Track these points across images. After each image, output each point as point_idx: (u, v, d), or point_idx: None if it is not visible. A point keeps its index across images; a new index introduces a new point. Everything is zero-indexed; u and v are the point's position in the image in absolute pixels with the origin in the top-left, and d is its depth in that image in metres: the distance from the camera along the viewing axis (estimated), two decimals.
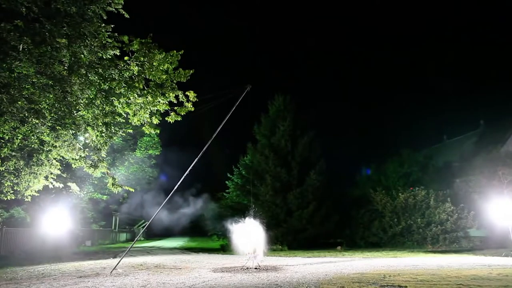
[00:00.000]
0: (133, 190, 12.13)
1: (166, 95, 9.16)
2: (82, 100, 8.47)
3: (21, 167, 9.22)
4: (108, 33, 8.23)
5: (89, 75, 8.26)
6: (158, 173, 34.24)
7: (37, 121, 8.01)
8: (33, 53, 7.37)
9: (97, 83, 8.52)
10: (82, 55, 8.02)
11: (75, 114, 8.65)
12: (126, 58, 8.75)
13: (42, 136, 8.72)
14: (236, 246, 10.46)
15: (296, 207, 20.36)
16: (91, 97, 8.64)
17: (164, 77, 9.02)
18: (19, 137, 8.39)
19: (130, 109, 9.23)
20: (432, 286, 6.77)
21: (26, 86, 7.63)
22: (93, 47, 8.11)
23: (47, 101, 8.03)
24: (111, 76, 8.60)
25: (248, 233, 10.15)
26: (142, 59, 8.64)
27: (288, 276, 8.57)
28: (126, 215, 34.37)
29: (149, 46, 8.62)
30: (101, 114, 9.01)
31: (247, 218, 10.42)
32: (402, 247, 18.44)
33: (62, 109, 8.32)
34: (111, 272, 9.60)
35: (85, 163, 9.87)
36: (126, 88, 8.72)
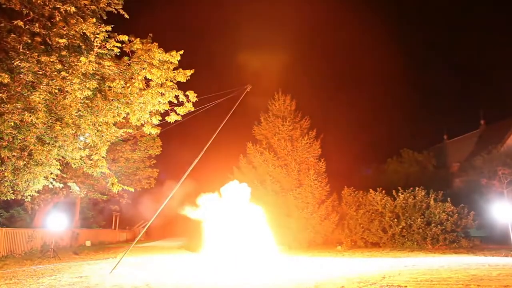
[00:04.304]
0: (133, 190, 12.12)
1: (166, 95, 9.15)
2: (82, 100, 8.46)
3: (21, 167, 9.20)
4: (108, 33, 8.22)
5: (89, 75, 8.24)
6: (158, 173, 34.20)
7: (36, 121, 8.00)
8: (33, 53, 7.36)
9: (97, 83, 8.50)
10: (82, 55, 8.01)
11: (75, 113, 8.63)
12: (126, 58, 8.75)
13: (42, 136, 8.71)
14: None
15: (296, 207, 20.35)
16: (91, 97, 8.63)
17: (164, 77, 9.02)
18: (19, 137, 8.37)
19: (130, 109, 9.22)
20: (432, 286, 6.78)
21: (26, 86, 7.62)
22: (93, 47, 8.10)
23: (47, 101, 8.01)
24: (111, 76, 8.60)
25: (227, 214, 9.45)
26: (142, 59, 8.63)
27: (288, 276, 8.57)
28: (126, 214, 34.34)
29: (149, 46, 8.62)
30: (101, 114, 8.99)
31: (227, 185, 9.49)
32: (402, 247, 18.40)
33: (62, 109, 8.31)
34: (111, 271, 9.60)
35: (85, 163, 9.85)
36: (126, 88, 8.70)
